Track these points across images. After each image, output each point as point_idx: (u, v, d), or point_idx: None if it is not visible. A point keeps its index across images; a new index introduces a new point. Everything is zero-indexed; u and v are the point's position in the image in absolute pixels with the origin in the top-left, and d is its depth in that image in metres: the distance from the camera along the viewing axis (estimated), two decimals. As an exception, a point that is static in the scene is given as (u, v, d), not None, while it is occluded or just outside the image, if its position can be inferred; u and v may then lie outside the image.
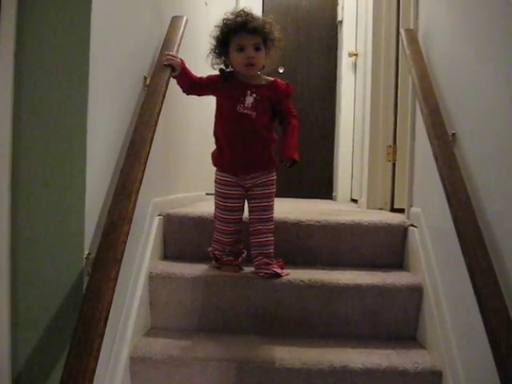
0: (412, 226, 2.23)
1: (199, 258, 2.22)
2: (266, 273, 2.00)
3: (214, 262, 2.12)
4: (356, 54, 4.48)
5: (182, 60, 1.98)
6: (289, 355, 1.77)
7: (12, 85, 1.33)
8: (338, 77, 4.97)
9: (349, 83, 4.66)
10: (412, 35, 2.22)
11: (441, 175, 1.62)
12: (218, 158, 2.09)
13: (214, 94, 2.08)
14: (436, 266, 1.89)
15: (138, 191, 1.50)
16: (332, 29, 5.13)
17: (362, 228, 2.25)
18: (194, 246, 2.27)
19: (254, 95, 1.97)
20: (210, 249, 2.14)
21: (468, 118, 1.67)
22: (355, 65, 4.57)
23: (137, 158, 1.56)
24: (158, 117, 1.76)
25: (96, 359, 1.15)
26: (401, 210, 2.67)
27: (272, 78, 2.07)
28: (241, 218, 2.09)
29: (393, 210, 3.02)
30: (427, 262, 1.97)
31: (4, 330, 1.33)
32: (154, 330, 1.97)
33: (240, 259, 2.10)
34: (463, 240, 1.41)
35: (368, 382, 1.72)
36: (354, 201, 4.24)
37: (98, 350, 1.17)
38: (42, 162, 1.35)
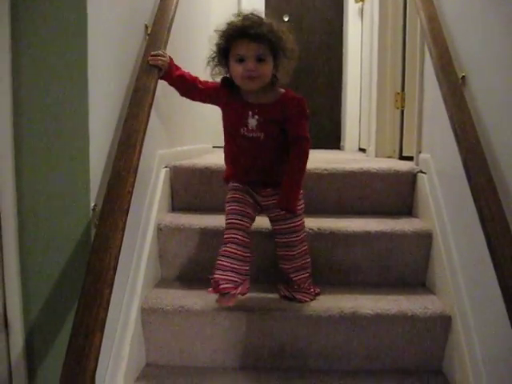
0: (421, 172, 2.20)
1: (207, 209, 2.22)
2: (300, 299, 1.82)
3: (211, 288, 1.67)
4: (363, 0, 4.37)
5: (170, 58, 1.75)
6: (298, 303, 1.79)
7: (10, 37, 1.29)
8: (344, 24, 4.88)
9: (356, 30, 4.59)
10: (420, -25, 2.15)
11: (450, 117, 1.59)
12: (227, 173, 1.90)
13: (217, 105, 1.84)
14: (445, 211, 1.88)
15: (142, 141, 1.47)
16: (338, -26, 5.00)
17: (371, 175, 2.23)
18: (201, 197, 2.27)
19: (257, 117, 1.70)
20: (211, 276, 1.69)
21: (478, 60, 1.62)
22: (362, 11, 4.47)
23: (140, 106, 1.54)
24: (161, 65, 1.72)
25: (106, 309, 1.15)
26: (410, 158, 2.64)
27: (283, 91, 1.75)
28: (249, 227, 1.76)
29: (401, 157, 2.99)
30: (437, 208, 1.96)
31: (14, 283, 1.34)
32: (164, 282, 1.99)
33: (240, 289, 1.65)
34: (473, 184, 1.39)
35: (378, 328, 1.73)
36: (363, 150, 4.21)
37: (108, 300, 1.17)
38: (44, 113, 1.32)
